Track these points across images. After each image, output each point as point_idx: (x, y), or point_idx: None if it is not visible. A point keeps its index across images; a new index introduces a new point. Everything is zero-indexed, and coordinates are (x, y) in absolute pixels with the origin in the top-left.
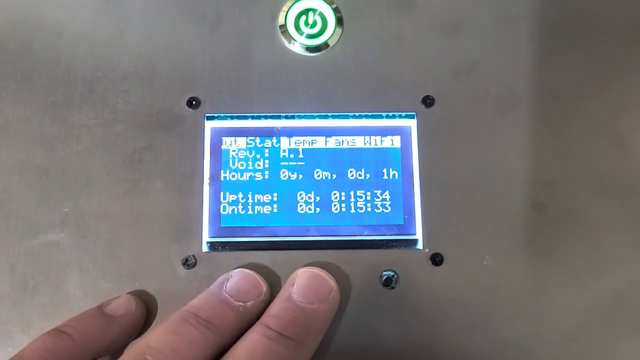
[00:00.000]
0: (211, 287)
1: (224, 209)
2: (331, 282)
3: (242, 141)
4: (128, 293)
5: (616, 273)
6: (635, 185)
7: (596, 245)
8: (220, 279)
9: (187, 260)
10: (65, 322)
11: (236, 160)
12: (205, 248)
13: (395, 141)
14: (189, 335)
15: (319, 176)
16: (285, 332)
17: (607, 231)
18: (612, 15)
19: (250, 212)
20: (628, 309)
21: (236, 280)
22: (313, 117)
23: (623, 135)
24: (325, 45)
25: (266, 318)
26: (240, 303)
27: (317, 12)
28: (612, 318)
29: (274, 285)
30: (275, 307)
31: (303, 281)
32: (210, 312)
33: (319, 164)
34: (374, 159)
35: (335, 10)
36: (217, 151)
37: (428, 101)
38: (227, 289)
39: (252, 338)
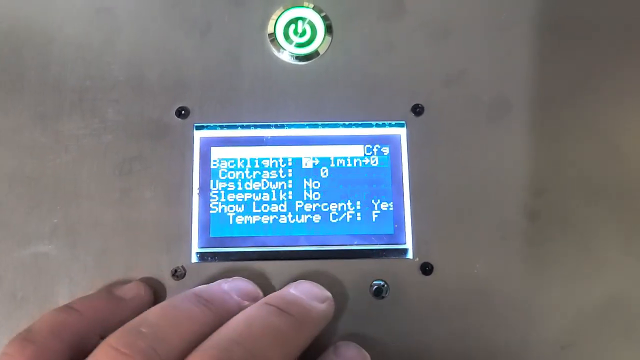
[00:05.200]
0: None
1: (214, 219)
2: (327, 291)
3: (231, 151)
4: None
5: (608, 280)
6: (627, 192)
7: (588, 253)
8: (218, 281)
9: (176, 271)
10: (75, 300)
11: (225, 170)
12: (194, 259)
13: (385, 150)
14: (189, 311)
15: (308, 186)
16: (285, 308)
17: (599, 238)
18: (604, 21)
19: (239, 222)
20: (620, 316)
21: (235, 281)
22: (303, 127)
23: (615, 142)
24: (314, 54)
25: (265, 298)
26: (239, 299)
27: (307, 21)
28: (604, 325)
29: (264, 296)
30: (275, 293)
31: (301, 285)
32: (211, 294)
33: (309, 174)
34: (364, 168)
35: (324, 19)
36: (206, 161)
37: (418, 109)
38: (225, 286)
39: (250, 311)
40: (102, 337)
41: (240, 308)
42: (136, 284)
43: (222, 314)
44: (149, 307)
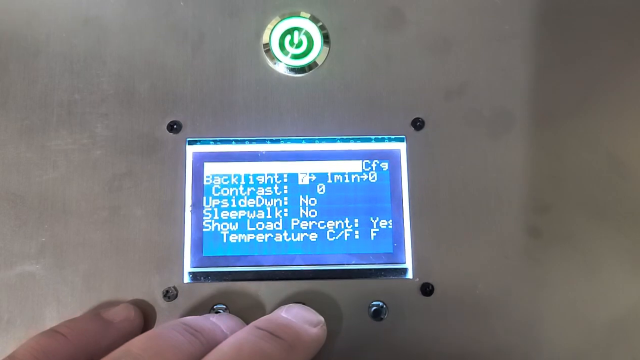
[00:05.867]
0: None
1: (207, 238)
2: (319, 315)
3: (225, 166)
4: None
5: (614, 301)
6: (633, 210)
7: (593, 272)
8: (204, 315)
9: (167, 292)
10: (61, 323)
11: (219, 187)
12: (186, 279)
13: (384, 165)
14: (175, 340)
15: (304, 203)
16: (276, 332)
17: (604, 257)
18: (608, 34)
19: (233, 240)
20: (626, 339)
21: (223, 316)
22: (299, 141)
23: (620, 158)
24: (310, 66)
25: (256, 322)
26: (227, 332)
27: (303, 31)
28: (610, 348)
29: (258, 317)
30: (265, 316)
31: (292, 309)
32: (199, 324)
33: (305, 190)
34: (362, 185)
35: (321, 29)
36: (199, 177)
37: (418, 124)
38: (214, 319)
39: (239, 335)
40: None
41: None
42: (125, 306)
43: (211, 344)
44: (139, 330)
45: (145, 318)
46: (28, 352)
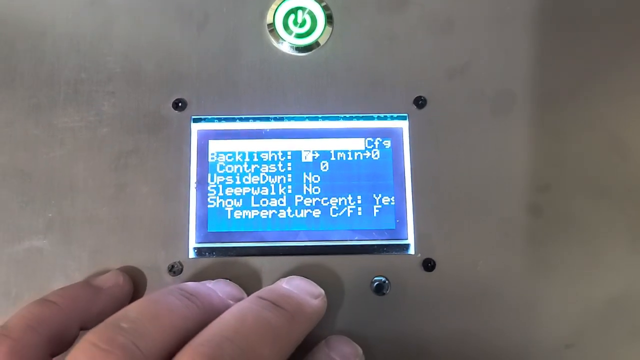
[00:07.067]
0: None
1: (211, 214)
2: (319, 287)
3: (229, 144)
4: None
5: (613, 279)
6: (634, 190)
7: (592, 250)
8: (202, 282)
9: (172, 266)
10: (52, 292)
11: (223, 164)
12: (191, 254)
13: (387, 143)
14: (171, 304)
15: (308, 180)
16: (278, 302)
17: (604, 236)
18: (611, 14)
19: (238, 217)
20: (624, 315)
21: (220, 282)
22: (302, 119)
23: (621, 138)
24: (314, 45)
25: (258, 292)
26: (224, 297)
27: (307, 11)
28: (608, 324)
29: None
30: (267, 287)
31: (293, 280)
32: (195, 288)
33: (308, 167)
34: (365, 162)
35: (325, 9)
36: (204, 154)
37: (420, 102)
38: (210, 285)
39: (242, 305)
40: (82, 328)
41: (226, 306)
42: (114, 273)
43: (207, 309)
44: (129, 295)
45: (148, 291)
46: (21, 321)
